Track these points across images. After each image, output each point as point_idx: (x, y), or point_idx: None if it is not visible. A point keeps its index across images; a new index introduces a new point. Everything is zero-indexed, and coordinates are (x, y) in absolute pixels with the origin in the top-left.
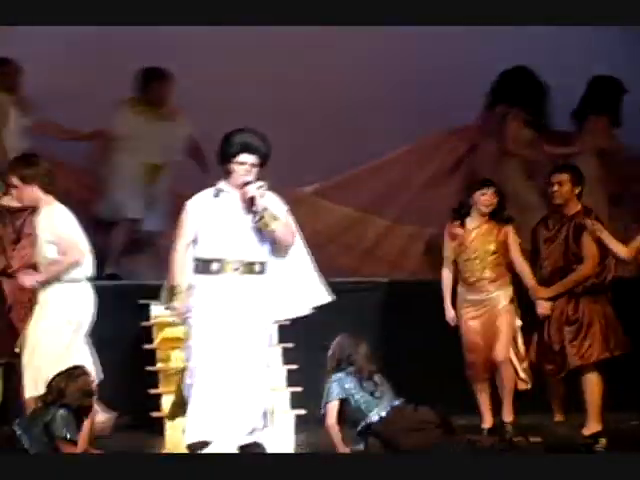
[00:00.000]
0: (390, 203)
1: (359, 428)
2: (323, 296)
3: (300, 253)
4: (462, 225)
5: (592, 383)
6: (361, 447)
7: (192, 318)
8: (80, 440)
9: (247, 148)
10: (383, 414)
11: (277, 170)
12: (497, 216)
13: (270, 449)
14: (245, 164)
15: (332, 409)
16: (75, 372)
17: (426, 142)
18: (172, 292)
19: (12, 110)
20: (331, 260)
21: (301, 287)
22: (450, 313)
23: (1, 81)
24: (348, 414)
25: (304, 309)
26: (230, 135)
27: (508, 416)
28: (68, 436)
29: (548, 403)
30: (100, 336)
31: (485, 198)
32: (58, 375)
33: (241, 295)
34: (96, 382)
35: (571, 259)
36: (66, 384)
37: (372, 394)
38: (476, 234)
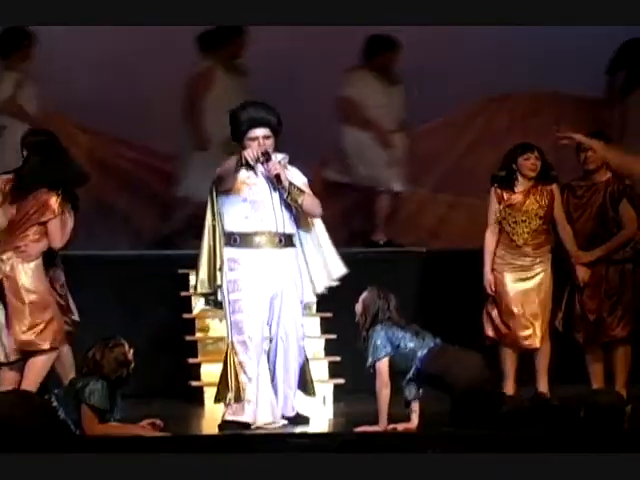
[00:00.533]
0: (429, 172)
1: (410, 374)
2: (341, 268)
3: (318, 226)
4: (510, 190)
5: (624, 353)
6: (409, 394)
7: (241, 292)
8: (114, 427)
9: (255, 122)
10: (432, 345)
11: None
12: (543, 177)
13: (311, 419)
14: (257, 138)
15: (384, 367)
16: (110, 342)
17: (465, 110)
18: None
19: (222, 75)
20: (370, 230)
21: (324, 260)
22: (489, 277)
23: (227, 49)
24: (396, 365)
25: (329, 281)
26: (235, 113)
27: (544, 387)
28: (98, 403)
29: (582, 373)
30: (140, 305)
31: (529, 162)
32: (93, 346)
33: (283, 267)
34: (131, 354)
35: (610, 225)
36: (102, 355)
37: (417, 334)
38: (525, 197)
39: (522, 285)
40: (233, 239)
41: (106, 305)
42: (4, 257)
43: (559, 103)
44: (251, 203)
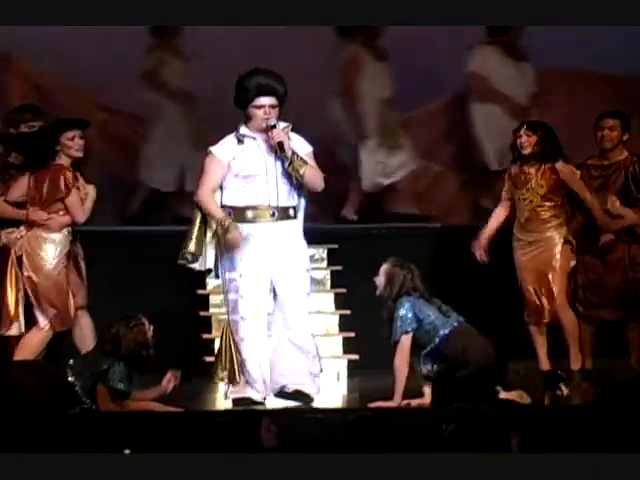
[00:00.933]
0: (445, 148)
1: (428, 349)
2: None
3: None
4: (520, 167)
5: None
6: (425, 370)
7: (236, 272)
8: (128, 405)
9: (263, 90)
10: (455, 324)
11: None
12: (540, 156)
13: (318, 397)
14: (264, 107)
15: (407, 343)
16: (131, 322)
17: None
18: (222, 226)
19: (367, 58)
20: (385, 205)
21: None
22: (481, 243)
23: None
24: (417, 339)
25: None
26: (244, 79)
27: (575, 363)
28: (121, 387)
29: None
30: (154, 281)
31: (520, 140)
32: (114, 324)
33: (279, 241)
34: (151, 332)
35: (634, 203)
36: (121, 334)
37: (440, 309)
38: (529, 175)
39: (535, 260)
40: (228, 214)
41: (120, 281)
42: (28, 233)
43: (569, 80)
44: (244, 178)
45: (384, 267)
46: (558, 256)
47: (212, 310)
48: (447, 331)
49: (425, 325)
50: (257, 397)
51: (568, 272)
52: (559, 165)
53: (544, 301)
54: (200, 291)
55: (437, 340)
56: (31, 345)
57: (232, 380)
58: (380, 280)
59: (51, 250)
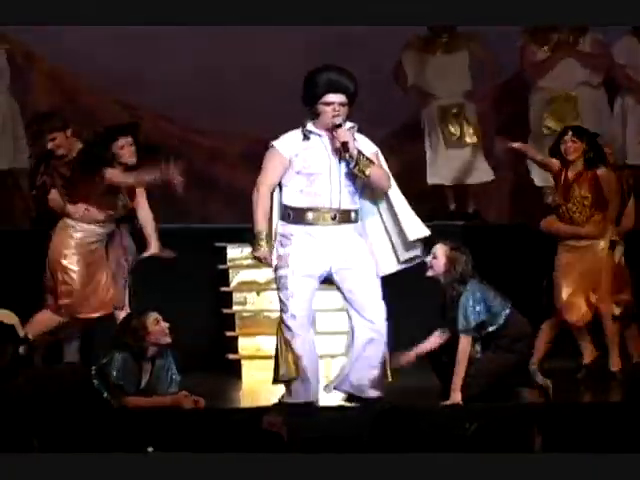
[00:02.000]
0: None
1: (482, 334)
2: (420, 230)
3: (391, 192)
4: (563, 167)
5: None
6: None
7: (288, 269)
8: (141, 400)
9: (334, 87)
10: (507, 312)
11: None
12: (585, 161)
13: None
14: (333, 104)
15: (467, 344)
16: (133, 314)
17: None
18: (255, 239)
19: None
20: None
21: (400, 227)
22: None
23: None
24: (484, 324)
25: (411, 248)
26: (314, 74)
27: (615, 365)
28: (119, 382)
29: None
30: (177, 279)
31: (565, 146)
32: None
33: (339, 245)
34: (159, 327)
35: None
36: (121, 326)
37: (496, 294)
38: (571, 180)
39: (578, 264)
40: (287, 214)
41: (142, 278)
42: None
43: None
44: (306, 176)
45: (441, 250)
46: (604, 260)
47: (235, 308)
48: (502, 320)
49: (492, 311)
50: (308, 397)
51: (614, 275)
52: (600, 172)
53: (589, 302)
54: (223, 288)
55: (493, 328)
56: (40, 320)
57: (291, 375)
58: (439, 263)
59: (67, 238)
